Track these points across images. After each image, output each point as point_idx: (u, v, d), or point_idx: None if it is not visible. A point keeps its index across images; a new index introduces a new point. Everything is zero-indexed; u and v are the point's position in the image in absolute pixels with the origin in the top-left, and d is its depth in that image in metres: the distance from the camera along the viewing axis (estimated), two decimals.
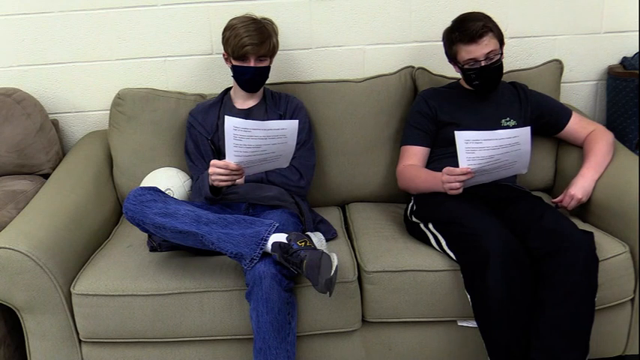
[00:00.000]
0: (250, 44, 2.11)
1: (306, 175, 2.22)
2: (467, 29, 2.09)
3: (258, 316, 1.78)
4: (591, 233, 1.93)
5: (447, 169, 1.95)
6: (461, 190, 1.95)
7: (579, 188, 2.11)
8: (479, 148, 1.86)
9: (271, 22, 2.22)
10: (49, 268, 1.87)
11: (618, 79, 2.51)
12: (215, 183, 1.94)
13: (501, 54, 2.15)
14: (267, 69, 2.20)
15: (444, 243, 1.97)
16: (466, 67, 2.14)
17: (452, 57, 2.19)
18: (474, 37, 2.09)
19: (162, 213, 1.84)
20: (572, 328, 1.81)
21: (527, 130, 1.88)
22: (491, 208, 2.02)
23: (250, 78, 2.18)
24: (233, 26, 2.15)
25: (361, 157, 2.39)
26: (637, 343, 2.06)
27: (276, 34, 2.21)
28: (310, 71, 2.56)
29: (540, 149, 2.33)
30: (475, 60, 2.12)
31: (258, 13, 2.23)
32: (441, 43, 2.25)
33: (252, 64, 2.15)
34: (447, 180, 1.94)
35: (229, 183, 1.94)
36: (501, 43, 2.15)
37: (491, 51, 2.11)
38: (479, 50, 2.10)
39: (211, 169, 1.93)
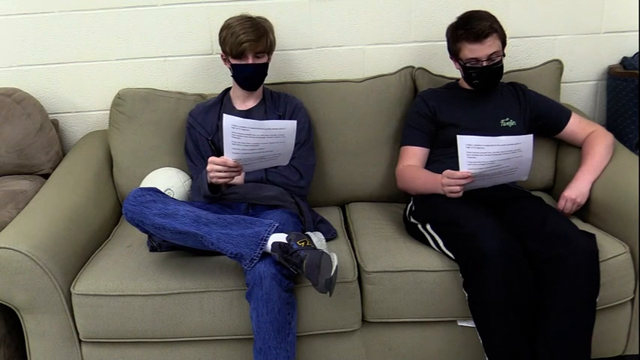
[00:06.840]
0: (247, 41, 2.11)
1: (306, 175, 2.22)
2: (473, 28, 2.09)
3: (259, 316, 1.78)
4: (593, 236, 1.92)
5: (447, 172, 1.95)
6: (461, 194, 1.94)
7: (573, 190, 2.11)
8: (480, 153, 1.85)
9: (266, 20, 2.22)
10: (49, 268, 1.87)
11: (618, 79, 2.51)
12: (213, 180, 1.94)
13: (503, 55, 2.15)
14: (266, 66, 2.21)
15: (441, 243, 1.97)
16: (468, 65, 2.14)
17: (454, 53, 2.19)
18: (479, 37, 2.08)
19: (162, 214, 1.84)
20: (576, 335, 1.82)
21: (529, 137, 1.88)
22: (490, 209, 2.02)
23: (249, 75, 2.18)
24: (229, 25, 2.16)
25: (361, 157, 2.39)
26: (637, 343, 2.06)
27: (272, 32, 2.22)
28: (310, 71, 2.56)
29: (540, 149, 2.33)
30: (477, 60, 2.12)
31: (258, 13, 2.23)
32: (441, 43, 2.25)
33: (250, 61, 2.15)
34: (447, 183, 1.94)
35: (228, 180, 1.94)
36: (504, 44, 2.15)
37: (494, 52, 2.11)
38: (482, 50, 2.10)
39: (209, 166, 1.93)
